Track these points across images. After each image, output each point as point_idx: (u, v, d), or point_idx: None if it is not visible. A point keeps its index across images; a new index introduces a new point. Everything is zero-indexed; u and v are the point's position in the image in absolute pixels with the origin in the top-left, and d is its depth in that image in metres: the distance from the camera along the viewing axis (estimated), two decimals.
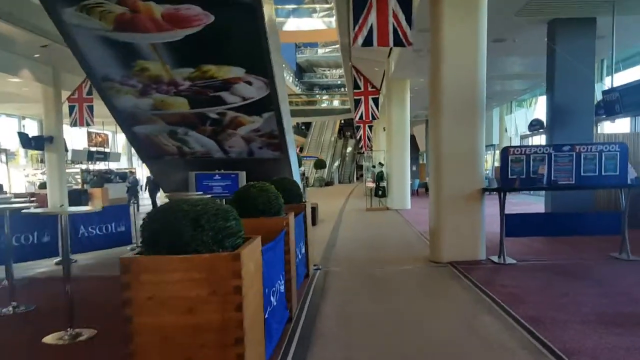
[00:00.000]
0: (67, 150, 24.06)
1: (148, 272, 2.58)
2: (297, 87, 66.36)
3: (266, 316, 3.51)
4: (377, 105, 19.15)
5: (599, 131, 15.01)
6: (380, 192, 19.19)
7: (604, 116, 11.31)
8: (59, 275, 7.63)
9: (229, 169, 11.64)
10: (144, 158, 11.97)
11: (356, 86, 19.08)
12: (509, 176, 8.30)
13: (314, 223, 13.93)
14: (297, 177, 13.19)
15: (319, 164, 48.53)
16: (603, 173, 8.09)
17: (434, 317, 5.37)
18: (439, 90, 8.24)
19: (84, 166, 31.34)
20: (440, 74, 8.19)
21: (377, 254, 9.46)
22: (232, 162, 11.73)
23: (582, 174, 8.10)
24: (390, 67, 17.99)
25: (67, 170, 29.81)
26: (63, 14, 8.14)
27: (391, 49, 17.56)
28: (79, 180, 29.23)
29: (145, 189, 23.08)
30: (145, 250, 2.76)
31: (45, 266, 9.12)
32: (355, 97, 19.22)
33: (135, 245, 10.72)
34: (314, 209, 14.08)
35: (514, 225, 8.36)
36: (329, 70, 79.77)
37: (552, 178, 8.09)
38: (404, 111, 18.89)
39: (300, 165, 38.11)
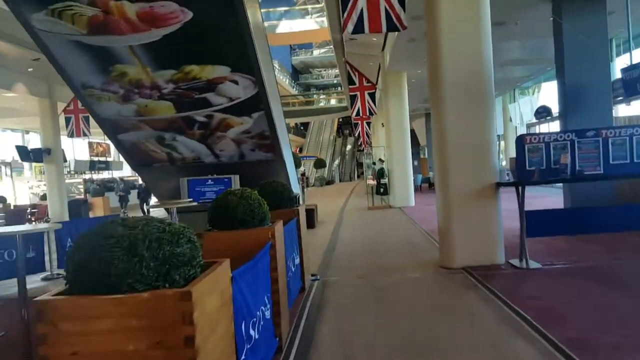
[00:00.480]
0: (66, 161, 24.14)
1: (69, 319, 1.92)
2: (294, 89, 65.79)
3: (243, 358, 2.87)
4: (374, 101, 18.60)
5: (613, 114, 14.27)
6: (381, 190, 18.67)
7: (622, 97, 10.59)
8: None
9: (222, 174, 11.12)
10: (134, 166, 11.45)
11: (351, 82, 18.54)
12: (527, 167, 7.34)
13: (312, 225, 13.43)
14: (293, 179, 12.69)
15: (319, 164, 47.99)
16: (636, 160, 7.10)
17: (452, 343, 4.41)
18: (439, 79, 7.55)
19: (87, 176, 31.51)
20: (439, 61, 7.49)
21: (381, 258, 8.76)
22: (225, 166, 11.22)
23: (611, 161, 7.14)
24: (385, 59, 17.45)
25: (70, 181, 30.00)
26: (32, 19, 7.65)
27: (385, 41, 17.04)
28: (82, 190, 29.63)
29: (138, 197, 22.65)
30: (69, 288, 2.09)
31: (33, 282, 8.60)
32: (351, 94, 18.69)
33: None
34: (311, 211, 13.57)
35: (536, 223, 7.25)
36: (324, 71, 79.52)
37: (577, 168, 7.12)
38: (402, 105, 18.35)
39: (299, 165, 37.65)
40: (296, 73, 77.13)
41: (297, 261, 5.94)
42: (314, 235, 12.20)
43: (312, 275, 7.39)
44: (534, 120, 24.52)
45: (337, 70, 41.24)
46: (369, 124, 30.45)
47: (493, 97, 7.49)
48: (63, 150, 22.28)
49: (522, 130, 27.74)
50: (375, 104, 18.64)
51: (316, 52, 75.98)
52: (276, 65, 62.49)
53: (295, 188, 13.38)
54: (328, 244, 10.60)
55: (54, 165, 20.88)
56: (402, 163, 18.28)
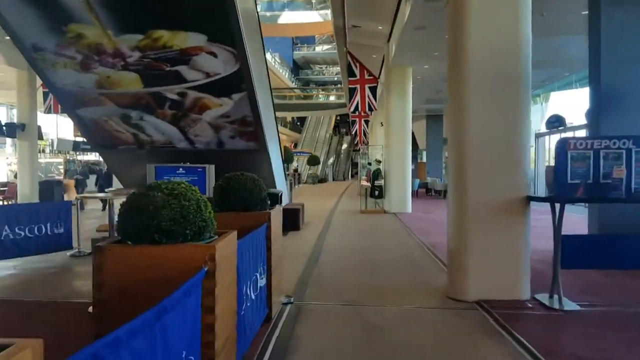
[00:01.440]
0: (42, 138, 22.56)
1: None
2: (293, 84, 64.38)
3: None
4: (374, 96, 17.23)
5: None
6: (376, 193, 17.26)
7: None
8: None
9: (198, 162, 9.67)
10: (96, 147, 10.03)
11: (351, 74, 17.16)
12: (569, 180, 5.62)
13: (296, 227, 12.05)
14: (279, 174, 11.33)
15: (313, 160, 46.68)
16: None
17: None
18: (463, 58, 5.98)
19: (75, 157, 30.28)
20: (464, 35, 5.94)
21: (374, 278, 7.22)
22: (201, 154, 9.83)
23: None
24: (390, 51, 16.02)
25: (52, 160, 28.50)
26: None
27: (392, 29, 15.61)
28: (62, 171, 28.09)
29: (96, 183, 20.67)
30: None
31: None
32: (350, 86, 17.31)
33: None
34: (297, 211, 12.18)
35: (575, 251, 5.63)
36: (326, 68, 78.16)
37: (634, 185, 5.46)
38: (405, 103, 16.93)
39: (290, 161, 36.17)
40: (297, 68, 75.77)
41: (261, 283, 4.45)
42: (297, 239, 10.80)
43: (286, 297, 5.92)
44: (543, 130, 23.19)
45: (338, 68, 39.89)
46: (367, 122, 29.15)
47: (529, 86, 5.95)
48: (40, 127, 20.76)
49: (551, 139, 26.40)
50: (376, 100, 17.25)
51: (318, 49, 74.86)
52: (277, 59, 61.29)
53: (281, 184, 12.02)
54: (311, 253, 9.16)
55: (27, 142, 19.32)
56: (401, 165, 16.87)
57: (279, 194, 9.35)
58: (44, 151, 28.99)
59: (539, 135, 24.28)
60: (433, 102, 26.47)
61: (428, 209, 18.00)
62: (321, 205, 20.44)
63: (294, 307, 5.53)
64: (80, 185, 19.75)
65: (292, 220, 12.11)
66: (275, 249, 5.12)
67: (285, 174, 14.54)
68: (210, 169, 9.23)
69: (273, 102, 12.25)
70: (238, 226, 3.60)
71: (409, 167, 17.16)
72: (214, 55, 7.54)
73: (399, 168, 16.90)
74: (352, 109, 17.38)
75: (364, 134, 29.53)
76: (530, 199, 5.87)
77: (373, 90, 17.14)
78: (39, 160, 22.39)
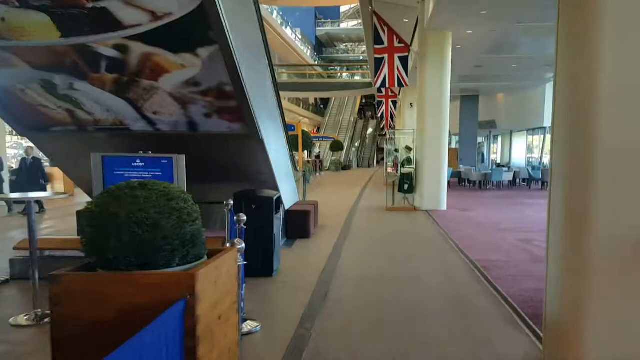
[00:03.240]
0: None
1: None
2: (316, 62, 61.32)
3: None
4: (405, 68, 14.27)
5: None
6: (405, 187, 14.37)
7: None
8: None
9: (164, 151, 6.85)
10: (21, 130, 7.29)
11: (378, 41, 14.22)
12: None
13: (306, 234, 9.31)
14: (281, 167, 8.62)
15: (336, 146, 43.73)
16: None
17: None
18: None
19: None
20: None
21: (411, 336, 4.49)
22: (167, 139, 7.08)
23: None
24: (427, 11, 12.98)
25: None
26: None
27: None
28: None
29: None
30: None
31: None
32: (377, 56, 14.36)
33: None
34: (306, 215, 9.38)
35: None
36: (351, 46, 75.15)
37: None
38: (443, 77, 13.92)
39: (308, 147, 33.10)
40: (320, 46, 72.70)
41: None
42: (303, 255, 8.03)
43: None
44: None
45: (364, 47, 36.60)
46: (394, 103, 26.16)
47: None
48: None
49: None
50: (407, 73, 14.29)
51: (343, 25, 71.76)
52: (298, 34, 58.18)
53: (286, 182, 9.32)
54: (318, 281, 6.32)
55: None
56: (436, 154, 13.94)
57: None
58: None
59: None
60: (468, 80, 23.32)
61: (465, 205, 15.04)
62: (342, 199, 17.65)
63: None
64: None
65: (301, 226, 9.35)
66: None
67: (294, 166, 11.75)
68: (179, 161, 6.31)
69: (272, 68, 9.47)
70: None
71: (445, 156, 14.22)
72: None
73: (433, 158, 13.97)
74: (378, 83, 14.44)
75: (391, 117, 26.54)
76: None
77: (404, 61, 14.19)
78: None
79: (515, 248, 8.33)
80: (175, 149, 6.18)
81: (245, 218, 4.92)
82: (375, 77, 14.60)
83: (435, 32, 13.57)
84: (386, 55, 14.22)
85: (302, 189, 14.17)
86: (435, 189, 13.96)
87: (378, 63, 14.39)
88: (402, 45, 14.15)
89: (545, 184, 21.07)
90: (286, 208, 9.22)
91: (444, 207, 13.94)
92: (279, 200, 6.68)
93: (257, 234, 6.29)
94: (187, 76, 5.91)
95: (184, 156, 5.99)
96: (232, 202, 5.33)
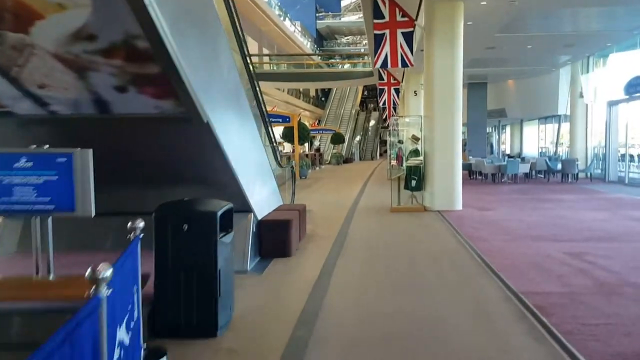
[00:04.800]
0: None
1: None
2: (319, 57, 59.11)
3: None
4: (410, 45, 12.07)
5: None
6: (413, 183, 12.16)
7: None
8: None
9: (78, 144, 4.61)
10: None
11: (378, 14, 12.01)
12: None
13: (285, 252, 7.15)
14: (248, 162, 6.52)
15: (337, 138, 41.56)
16: None
17: None
18: None
19: None
20: None
21: None
22: (80, 126, 4.96)
23: None
24: None
25: None
26: None
27: None
28: None
29: None
30: None
31: None
32: (377, 32, 12.14)
33: None
34: (284, 227, 7.19)
35: None
36: (352, 39, 73.55)
37: None
38: (455, 54, 11.72)
39: (306, 140, 30.61)
40: (321, 39, 71.05)
41: None
42: (277, 285, 5.89)
43: None
44: (622, 97, 17.85)
45: (366, 40, 34.45)
46: (397, 91, 23.96)
47: None
48: None
49: (598, 110, 21.03)
50: (412, 51, 12.09)
51: (345, 19, 69.97)
52: (298, 27, 56.36)
53: (261, 186, 7.27)
54: (288, 344, 4.10)
55: None
56: (448, 145, 11.76)
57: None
58: None
59: (613, 104, 18.91)
60: (477, 65, 21.06)
61: (483, 202, 12.88)
62: (340, 196, 15.50)
63: None
64: None
65: (278, 240, 7.20)
66: None
67: (277, 161, 9.68)
68: (83, 158, 4.09)
69: (243, 43, 7.40)
70: None
71: (459, 147, 12.04)
72: None
73: (445, 149, 11.79)
74: (378, 63, 12.21)
75: (394, 107, 24.31)
76: None
77: (408, 38, 11.97)
78: None
79: (567, 268, 6.12)
80: (81, 140, 4.04)
81: (141, 224, 2.89)
82: (374, 56, 12.37)
83: (445, 2, 11.36)
84: (387, 31, 12.01)
85: (292, 191, 12.03)
86: (448, 185, 11.78)
87: (378, 41, 12.17)
88: (406, 19, 11.93)
89: (566, 176, 18.88)
90: (259, 218, 7.07)
91: (459, 206, 11.77)
92: (229, 215, 4.52)
93: (190, 269, 4.15)
94: (74, 23, 3.75)
95: (90, 151, 3.81)
96: (141, 224, 3.20)
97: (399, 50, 11.91)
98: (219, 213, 4.23)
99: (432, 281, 5.82)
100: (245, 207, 6.58)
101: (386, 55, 11.95)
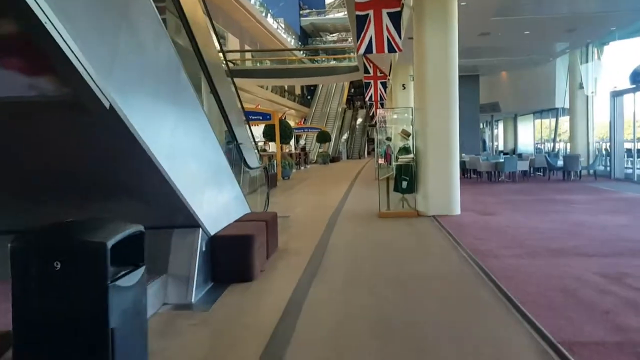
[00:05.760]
0: None
1: None
2: (301, 53, 57.57)
3: None
4: (397, 27, 10.59)
5: None
6: (404, 184, 10.71)
7: None
8: None
9: None
10: None
11: None
12: None
13: (246, 276, 5.69)
14: (198, 164, 5.03)
15: (322, 137, 40.12)
16: None
17: None
18: None
19: None
20: None
21: None
22: None
23: None
24: None
25: None
26: None
27: None
28: None
29: None
30: None
31: None
32: (359, 13, 10.66)
33: None
34: (245, 243, 5.65)
35: None
36: (338, 36, 72.14)
37: None
38: (448, 36, 10.30)
39: (289, 138, 28.66)
40: (305, 36, 69.99)
41: None
42: (226, 329, 4.37)
43: None
44: (629, 86, 16.56)
45: (351, 36, 33.08)
46: (384, 84, 22.48)
47: None
48: None
49: (599, 101, 19.72)
50: (400, 34, 10.62)
51: (330, 16, 68.79)
52: (281, 24, 55.09)
53: (217, 194, 5.82)
54: None
55: None
56: (443, 139, 10.33)
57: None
58: None
59: (616, 94, 17.57)
60: (469, 56, 19.58)
61: (484, 205, 11.47)
62: (323, 198, 14.11)
63: None
64: None
65: (237, 260, 5.72)
66: None
67: (246, 163, 8.28)
68: None
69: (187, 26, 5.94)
70: None
71: (456, 143, 10.59)
72: None
73: (440, 145, 10.35)
74: (362, 49, 10.71)
75: (381, 102, 22.81)
76: None
77: (395, 19, 10.50)
78: None
79: (611, 299, 4.63)
80: None
81: None
82: (358, 40, 10.87)
83: None
84: (371, 12, 10.53)
85: (281, 189, 10.55)
86: (444, 187, 10.33)
87: (361, 23, 10.69)
88: None
89: (568, 174, 17.50)
90: (212, 233, 5.59)
91: (458, 210, 10.32)
92: (136, 243, 3.03)
93: (64, 329, 2.67)
94: None
95: None
96: None
97: (385, 33, 10.44)
98: (111, 242, 2.72)
99: (433, 324, 4.33)
100: (190, 222, 5.09)
101: (370, 39, 10.47)
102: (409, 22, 12.61)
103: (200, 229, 5.25)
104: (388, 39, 10.43)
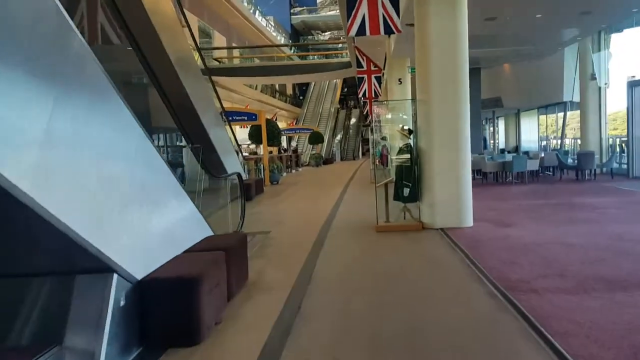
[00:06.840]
0: None
1: None
2: (292, 50, 55.91)
3: None
4: (395, 5, 8.93)
5: None
6: (406, 192, 8.98)
7: None
8: None
9: None
10: None
11: None
12: None
13: (194, 336, 3.92)
14: (93, 190, 3.14)
15: (315, 138, 38.34)
16: None
17: None
18: None
19: None
20: None
21: None
22: None
23: None
24: None
25: None
26: None
27: None
28: None
29: None
30: None
31: None
32: None
33: None
34: (188, 289, 3.94)
35: None
36: (330, 34, 70.41)
37: None
38: (458, 19, 8.63)
39: (277, 138, 26.53)
40: (296, 35, 68.67)
41: None
42: None
43: None
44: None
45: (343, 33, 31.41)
46: (378, 79, 20.82)
47: None
48: None
49: (612, 93, 18.12)
50: (398, 13, 8.96)
51: (322, 13, 67.39)
52: (272, 22, 53.64)
53: (133, 230, 3.97)
54: None
55: None
56: (453, 137, 8.64)
57: None
58: None
59: (635, 84, 15.93)
60: (471, 46, 17.90)
61: (497, 212, 9.82)
62: (312, 208, 12.45)
63: None
64: None
65: (175, 316, 4.00)
66: None
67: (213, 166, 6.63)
68: None
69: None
70: None
71: (467, 140, 8.90)
72: None
73: (449, 144, 8.66)
74: (353, 30, 9.00)
75: (375, 96, 21.14)
76: None
77: None
78: None
79: None
80: None
81: None
82: (348, 21, 9.18)
83: None
84: None
85: (268, 196, 8.85)
86: (453, 194, 8.65)
87: (352, 1, 9.03)
88: None
89: (582, 172, 15.84)
90: (141, 276, 3.89)
91: (470, 221, 8.66)
92: None
93: None
94: None
95: None
96: None
97: (381, 11, 8.79)
98: None
99: None
100: (97, 265, 3.40)
101: (363, 19, 8.81)
102: (406, 5, 10.93)
103: (116, 275, 3.55)
104: (384, 18, 8.79)
